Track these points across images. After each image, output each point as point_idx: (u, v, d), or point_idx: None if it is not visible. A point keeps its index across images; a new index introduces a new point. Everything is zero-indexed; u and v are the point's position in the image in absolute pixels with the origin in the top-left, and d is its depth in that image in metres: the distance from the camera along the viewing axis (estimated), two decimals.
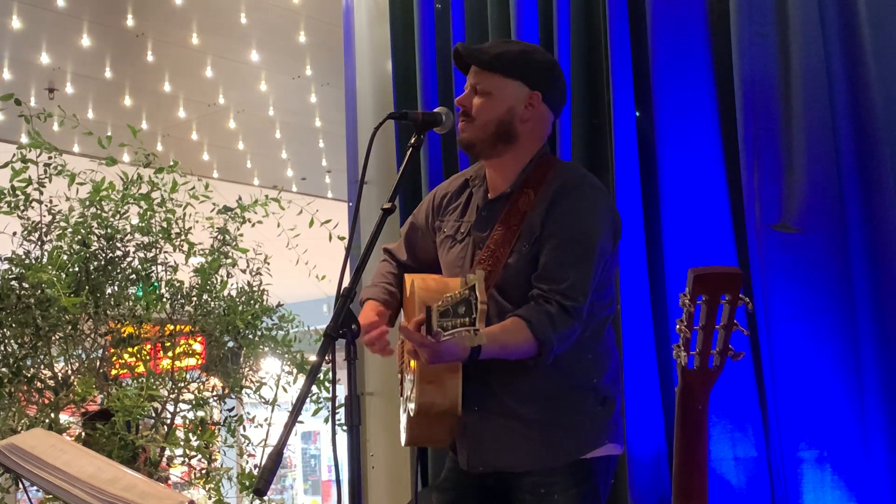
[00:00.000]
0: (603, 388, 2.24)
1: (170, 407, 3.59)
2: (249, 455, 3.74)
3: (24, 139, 3.62)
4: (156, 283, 3.62)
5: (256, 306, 3.68)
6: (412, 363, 2.16)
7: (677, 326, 1.63)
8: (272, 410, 3.71)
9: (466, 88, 2.26)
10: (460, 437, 2.24)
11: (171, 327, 3.63)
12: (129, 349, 3.54)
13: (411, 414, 2.18)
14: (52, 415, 3.34)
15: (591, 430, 2.21)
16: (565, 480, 2.17)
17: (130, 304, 3.52)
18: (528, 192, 2.22)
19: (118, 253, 3.57)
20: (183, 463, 3.64)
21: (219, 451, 3.84)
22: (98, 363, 3.57)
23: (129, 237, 3.59)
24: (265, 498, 1.98)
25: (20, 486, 3.20)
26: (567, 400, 2.20)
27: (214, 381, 3.75)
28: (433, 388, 2.12)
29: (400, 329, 2.09)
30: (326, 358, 1.87)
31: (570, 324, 2.11)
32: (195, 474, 3.63)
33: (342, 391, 1.85)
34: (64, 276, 3.30)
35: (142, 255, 3.61)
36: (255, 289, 3.76)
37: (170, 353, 3.62)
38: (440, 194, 2.42)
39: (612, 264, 2.31)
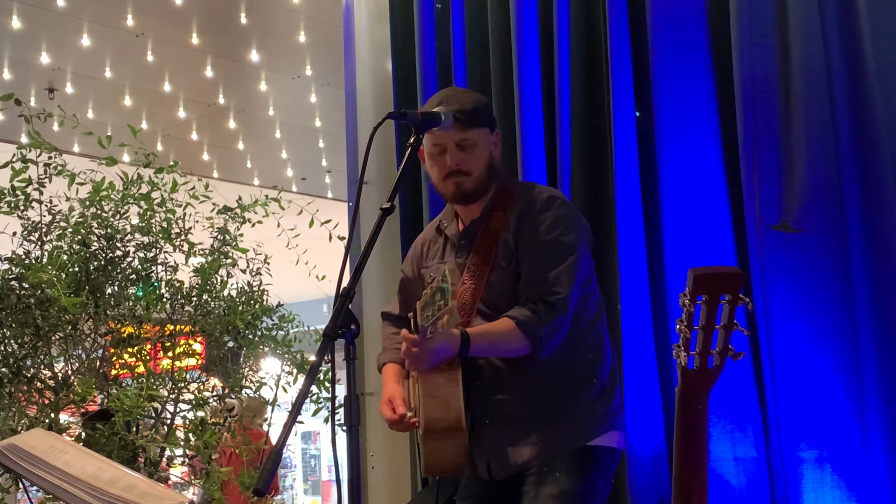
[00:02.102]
0: (601, 377, 2.33)
1: (170, 407, 3.59)
2: None
3: (24, 139, 3.61)
4: (156, 283, 3.62)
5: (256, 306, 3.68)
6: (420, 387, 2.23)
7: (677, 326, 1.63)
8: (272, 410, 3.71)
9: (447, 147, 2.29)
10: (476, 449, 2.31)
11: (171, 327, 3.62)
12: (129, 349, 3.53)
13: (420, 435, 2.21)
14: (52, 415, 3.33)
15: (593, 418, 2.29)
16: (568, 461, 2.25)
17: (130, 304, 3.52)
18: (497, 215, 2.34)
19: (118, 253, 3.56)
20: (183, 463, 3.64)
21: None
22: (98, 363, 3.56)
23: (129, 237, 3.59)
24: (265, 497, 1.98)
25: (20, 486, 3.20)
26: (567, 393, 2.29)
27: (214, 381, 3.75)
28: (436, 403, 2.19)
29: (402, 336, 2.18)
30: (326, 358, 1.88)
31: (555, 315, 2.21)
32: (195, 474, 3.63)
33: (342, 391, 1.85)
34: (64, 276, 3.29)
35: (142, 255, 3.61)
36: (255, 289, 3.75)
37: (170, 353, 3.62)
38: (419, 243, 2.57)
39: (591, 264, 2.40)
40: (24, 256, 3.43)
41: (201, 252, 3.68)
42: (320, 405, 3.59)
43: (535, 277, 2.25)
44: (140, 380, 3.47)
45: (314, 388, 3.61)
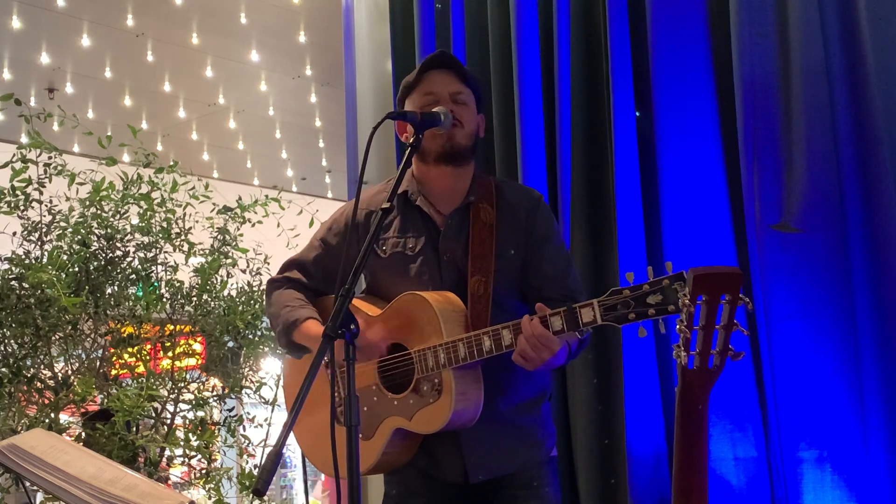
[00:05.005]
0: (550, 386, 2.34)
1: (170, 407, 3.59)
2: (249, 455, 3.74)
3: (24, 139, 3.62)
4: (156, 283, 3.62)
5: (256, 306, 3.68)
6: (444, 377, 2.11)
7: (677, 326, 1.63)
8: (272, 410, 3.71)
9: (440, 98, 2.22)
10: (448, 449, 2.20)
11: (171, 327, 3.63)
12: (129, 349, 3.54)
13: (423, 432, 2.13)
14: (52, 415, 3.34)
15: (550, 426, 2.31)
16: (549, 474, 2.26)
17: (130, 304, 3.53)
18: (484, 206, 2.25)
19: (118, 253, 3.57)
20: (183, 463, 3.64)
21: (219, 451, 3.84)
22: (98, 363, 3.57)
23: (129, 237, 3.59)
24: (264, 498, 1.97)
25: (20, 486, 3.20)
26: (539, 401, 2.28)
27: (214, 381, 3.76)
28: (464, 400, 2.10)
29: (536, 335, 1.98)
30: (326, 358, 1.87)
31: None
32: (195, 474, 3.64)
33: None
34: (64, 276, 3.30)
35: (142, 255, 3.61)
36: (255, 289, 3.76)
37: (170, 353, 3.62)
38: (364, 213, 2.31)
39: None
40: (24, 256, 3.44)
41: (201, 252, 3.69)
42: None
43: (558, 274, 2.23)
44: (140, 380, 3.48)
45: None
